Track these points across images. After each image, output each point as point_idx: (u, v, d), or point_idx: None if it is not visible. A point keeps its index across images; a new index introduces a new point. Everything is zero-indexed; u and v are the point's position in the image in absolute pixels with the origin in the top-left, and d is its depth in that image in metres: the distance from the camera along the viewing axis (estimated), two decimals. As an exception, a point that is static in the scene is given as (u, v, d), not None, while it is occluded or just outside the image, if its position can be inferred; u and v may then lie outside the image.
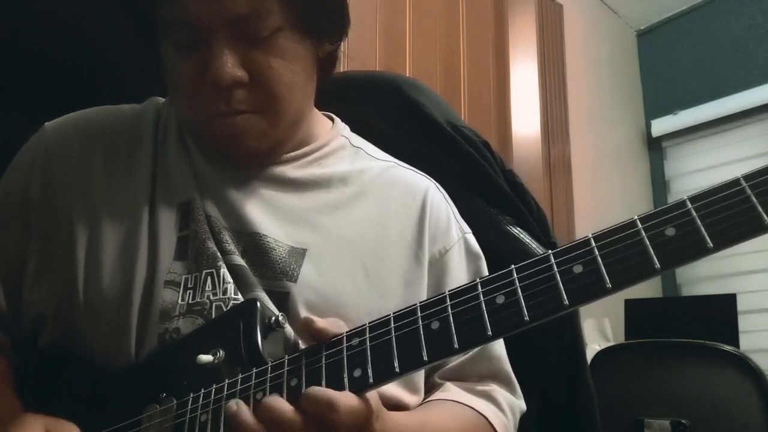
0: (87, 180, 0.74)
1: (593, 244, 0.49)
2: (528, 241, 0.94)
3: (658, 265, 0.46)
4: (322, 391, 0.53)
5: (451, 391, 0.75)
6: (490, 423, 0.74)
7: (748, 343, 2.26)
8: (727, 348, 1.78)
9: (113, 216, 0.72)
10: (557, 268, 0.49)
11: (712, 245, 0.45)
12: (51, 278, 0.72)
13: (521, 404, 0.80)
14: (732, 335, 2.05)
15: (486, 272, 0.82)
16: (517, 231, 0.95)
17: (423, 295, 0.75)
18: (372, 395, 0.56)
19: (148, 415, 0.62)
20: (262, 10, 0.66)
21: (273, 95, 0.69)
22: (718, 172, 2.93)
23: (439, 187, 0.85)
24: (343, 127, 0.87)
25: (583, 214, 2.48)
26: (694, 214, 0.46)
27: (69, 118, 0.80)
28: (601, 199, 2.76)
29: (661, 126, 3.13)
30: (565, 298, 0.48)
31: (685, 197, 0.47)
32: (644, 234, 0.47)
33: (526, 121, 2.16)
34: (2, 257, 0.74)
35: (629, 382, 1.92)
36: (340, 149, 0.82)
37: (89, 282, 0.69)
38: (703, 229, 0.45)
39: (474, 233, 0.84)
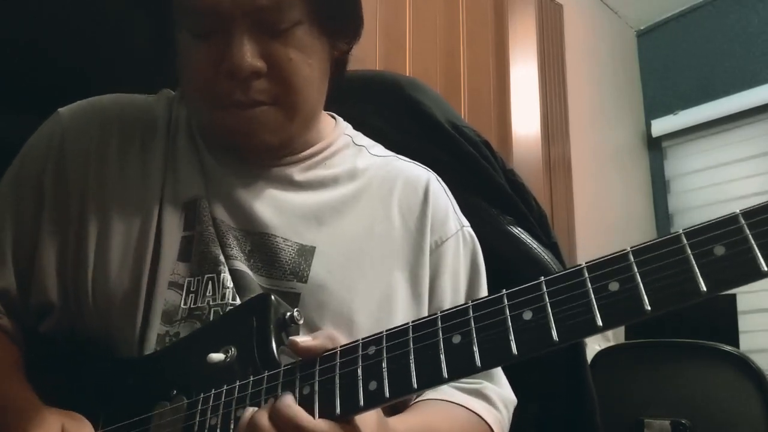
0: (102, 168, 0.74)
1: (632, 259, 0.44)
2: (529, 241, 0.93)
3: (704, 289, 0.41)
4: (292, 411, 0.52)
5: (440, 390, 0.75)
6: (486, 422, 0.74)
7: (748, 343, 2.26)
8: (727, 348, 1.77)
9: (124, 210, 0.72)
10: (591, 284, 0.45)
11: (767, 268, 0.40)
12: (61, 266, 0.72)
13: (512, 398, 0.80)
14: (732, 335, 2.05)
15: (483, 267, 0.82)
16: (517, 231, 0.95)
17: (426, 284, 0.76)
18: (367, 418, 0.54)
19: (159, 413, 0.61)
20: (285, 2, 0.66)
21: (291, 88, 0.69)
22: (718, 172, 2.93)
23: (439, 179, 0.85)
24: (345, 126, 0.87)
25: (583, 214, 2.48)
26: (747, 231, 0.41)
27: (84, 105, 0.80)
28: (601, 199, 2.76)
29: (661, 126, 3.13)
30: (599, 319, 0.44)
31: (738, 211, 0.42)
32: (690, 251, 0.42)
33: (526, 121, 2.16)
34: (15, 241, 0.74)
35: (629, 382, 1.91)
36: (344, 148, 0.83)
37: (98, 276, 0.70)
38: (757, 249, 0.40)
39: (474, 232, 0.84)
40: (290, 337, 0.58)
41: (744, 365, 1.71)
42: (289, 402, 0.52)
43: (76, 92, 0.83)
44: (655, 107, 3.19)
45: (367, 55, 1.64)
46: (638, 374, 1.91)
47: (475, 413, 0.73)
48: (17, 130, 0.82)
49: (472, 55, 2.00)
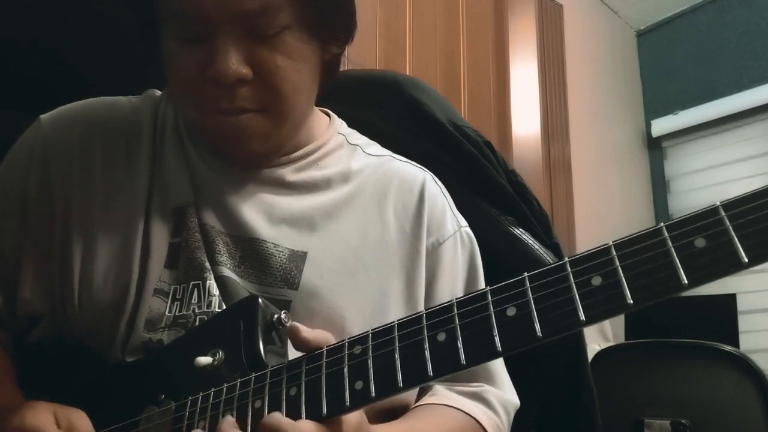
0: (86, 175, 0.73)
1: (614, 253, 0.44)
2: (530, 242, 0.93)
3: (685, 281, 0.41)
4: (274, 417, 0.52)
5: (439, 394, 0.74)
6: (482, 425, 0.72)
7: (748, 343, 2.26)
8: (727, 348, 1.78)
9: (110, 218, 0.71)
10: (574, 279, 0.45)
11: (747, 260, 0.40)
12: (47, 277, 0.71)
13: (514, 400, 0.79)
14: (732, 335, 2.05)
15: (480, 268, 0.81)
16: (519, 232, 0.94)
17: (422, 288, 0.75)
18: (349, 418, 0.54)
19: (147, 417, 0.61)
20: (272, 6, 0.64)
21: (279, 95, 0.67)
22: (718, 172, 2.93)
23: (436, 179, 0.84)
24: (340, 124, 0.85)
25: (583, 214, 2.48)
26: (728, 223, 0.41)
27: (65, 111, 0.78)
28: (601, 199, 2.76)
29: (661, 126, 3.13)
30: (582, 313, 0.44)
31: (718, 203, 0.42)
32: (671, 244, 0.42)
33: (526, 121, 2.16)
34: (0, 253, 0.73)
35: (629, 382, 1.91)
36: (338, 148, 0.81)
37: (84, 283, 0.69)
38: (737, 240, 0.40)
39: (476, 233, 0.83)
40: (293, 323, 0.58)
41: (744, 365, 1.71)
42: (270, 414, 0.52)
43: (76, 92, 0.83)
44: (655, 107, 3.19)
45: (367, 56, 1.64)
46: (638, 374, 1.91)
47: (472, 417, 0.72)
48: (17, 130, 0.81)
49: (472, 55, 2.00)
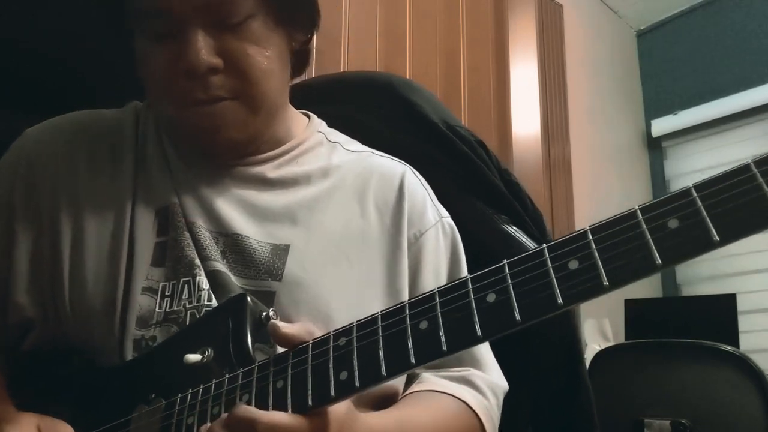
0: (72, 182, 0.74)
1: (590, 237, 0.45)
2: (524, 240, 0.93)
3: (659, 261, 0.42)
4: (244, 409, 0.52)
5: (427, 381, 0.75)
6: (471, 407, 0.73)
7: (748, 343, 2.26)
8: (727, 348, 1.78)
9: (97, 222, 0.72)
10: (551, 263, 0.46)
11: (718, 239, 0.40)
12: (37, 282, 0.72)
13: (501, 384, 0.80)
14: (732, 335, 2.05)
15: (463, 257, 0.82)
16: (513, 230, 0.95)
17: (405, 279, 0.76)
18: (336, 409, 0.54)
19: (137, 416, 0.62)
20: None
21: (250, 81, 0.69)
22: (717, 172, 2.93)
23: (416, 172, 0.85)
24: (319, 123, 0.87)
25: (583, 214, 2.48)
26: (700, 204, 0.42)
27: (51, 123, 0.80)
28: (601, 199, 2.77)
29: (661, 126, 3.13)
30: (559, 297, 0.44)
31: (690, 185, 0.43)
32: (645, 226, 0.43)
33: (526, 121, 2.16)
34: None
35: (629, 382, 1.92)
36: (318, 146, 0.83)
37: (74, 288, 0.69)
38: (708, 220, 0.41)
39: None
40: (271, 321, 0.59)
41: (744, 365, 1.72)
42: (242, 405, 0.53)
43: (75, 92, 0.83)
44: (655, 107, 3.19)
45: (367, 56, 1.64)
46: (638, 374, 1.91)
47: (461, 399, 0.73)
48: (17, 130, 0.82)
49: (472, 55, 2.00)
